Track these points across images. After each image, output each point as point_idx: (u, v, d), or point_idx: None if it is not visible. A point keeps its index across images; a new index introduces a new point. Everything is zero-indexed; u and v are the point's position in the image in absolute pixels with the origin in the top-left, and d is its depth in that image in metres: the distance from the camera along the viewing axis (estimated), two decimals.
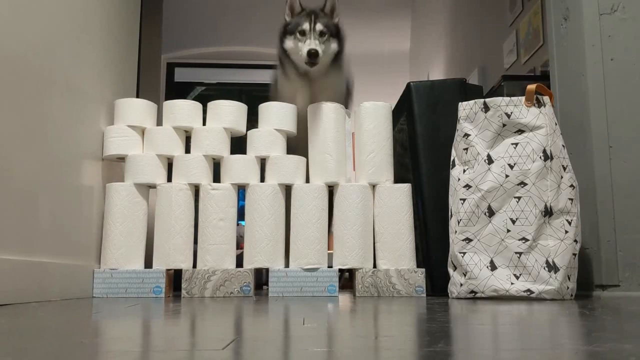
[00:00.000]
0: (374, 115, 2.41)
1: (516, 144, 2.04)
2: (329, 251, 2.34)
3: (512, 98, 2.09)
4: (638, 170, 2.17)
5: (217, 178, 2.41)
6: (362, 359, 0.68)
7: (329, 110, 2.42)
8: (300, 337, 0.90)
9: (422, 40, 6.41)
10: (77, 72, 2.19)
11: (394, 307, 1.63)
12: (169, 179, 2.39)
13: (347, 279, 3.00)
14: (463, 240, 2.06)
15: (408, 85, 2.56)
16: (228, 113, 2.44)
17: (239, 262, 2.32)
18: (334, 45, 2.53)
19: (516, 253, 1.96)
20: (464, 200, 2.08)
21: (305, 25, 2.48)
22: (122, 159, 2.42)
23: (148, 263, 2.30)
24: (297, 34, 2.50)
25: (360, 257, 2.27)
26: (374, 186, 2.37)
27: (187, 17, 6.51)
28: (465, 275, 2.03)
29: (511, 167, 2.02)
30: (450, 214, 2.15)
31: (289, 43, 2.56)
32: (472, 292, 2.01)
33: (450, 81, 2.59)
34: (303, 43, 2.46)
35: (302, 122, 2.49)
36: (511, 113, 2.06)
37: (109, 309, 1.57)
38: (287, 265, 2.31)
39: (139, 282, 2.21)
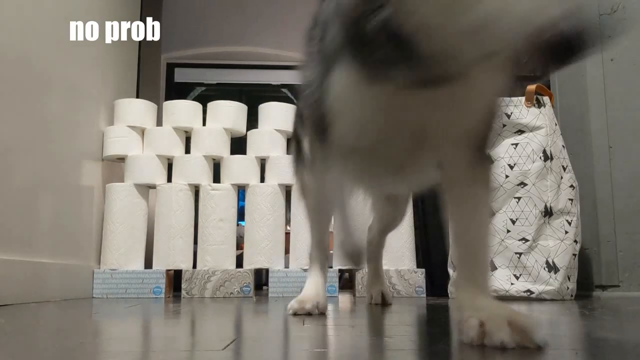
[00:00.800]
0: None
1: (516, 144, 2.04)
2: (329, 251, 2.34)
3: (512, 98, 2.09)
4: (638, 170, 2.17)
5: (217, 178, 2.41)
6: (362, 359, 0.68)
7: None
8: (300, 337, 0.90)
9: None
10: (77, 72, 2.19)
11: (394, 307, 1.63)
12: (169, 179, 2.39)
13: (347, 280, 3.00)
14: None
15: None
16: (228, 113, 2.44)
17: (239, 263, 2.32)
18: None
19: (516, 253, 1.96)
20: None
21: None
22: (122, 159, 2.42)
23: (148, 263, 2.29)
24: None
25: None
26: None
27: (187, 17, 6.51)
28: None
29: (511, 167, 2.02)
30: None
31: None
32: None
33: None
34: None
35: None
36: (511, 113, 2.06)
37: (109, 310, 1.57)
38: (287, 265, 2.31)
39: (139, 283, 2.20)
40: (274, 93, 6.70)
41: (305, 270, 2.25)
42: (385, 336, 0.92)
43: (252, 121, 2.55)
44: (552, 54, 0.56)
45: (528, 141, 2.02)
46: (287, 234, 2.36)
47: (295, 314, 1.23)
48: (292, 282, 2.23)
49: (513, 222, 1.98)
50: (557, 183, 1.99)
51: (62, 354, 0.72)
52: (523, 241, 1.96)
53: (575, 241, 1.97)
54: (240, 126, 2.48)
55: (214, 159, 2.42)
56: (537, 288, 1.92)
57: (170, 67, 6.67)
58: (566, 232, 1.96)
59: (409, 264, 2.28)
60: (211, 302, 1.92)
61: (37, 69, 1.88)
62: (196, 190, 2.38)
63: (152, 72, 3.75)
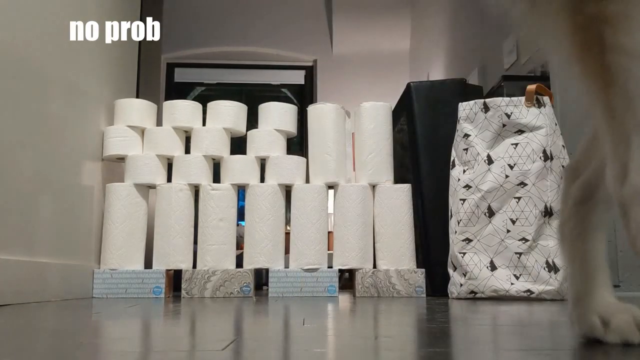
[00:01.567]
0: (374, 115, 2.41)
1: (516, 144, 2.04)
2: (329, 251, 2.34)
3: (512, 98, 2.09)
4: None
5: (217, 178, 2.41)
6: (362, 359, 0.68)
7: (329, 110, 2.42)
8: (300, 337, 0.90)
9: (422, 40, 6.41)
10: (77, 73, 2.19)
11: (394, 307, 1.63)
12: (169, 179, 2.39)
13: (347, 279, 3.00)
14: (463, 240, 2.06)
15: (408, 85, 2.56)
16: (228, 113, 2.44)
17: (239, 263, 2.32)
18: None
19: (516, 253, 1.96)
20: (464, 200, 2.08)
21: None
22: (122, 159, 2.42)
23: (148, 263, 2.29)
24: None
25: (360, 257, 2.27)
26: (374, 186, 2.37)
27: (187, 17, 6.51)
28: (465, 276, 2.03)
29: (511, 167, 2.02)
30: (450, 214, 2.15)
31: None
32: (472, 292, 2.01)
33: (450, 81, 2.59)
34: None
35: None
36: (511, 113, 2.06)
37: (109, 310, 1.57)
38: (287, 265, 2.31)
39: (139, 283, 2.20)
40: (274, 93, 6.70)
41: (305, 270, 2.25)
42: (385, 336, 0.92)
43: (252, 121, 2.55)
44: None
45: (528, 141, 2.02)
46: (287, 234, 2.36)
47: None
48: (292, 282, 2.23)
49: (513, 222, 1.98)
50: (557, 183, 1.99)
51: (62, 354, 0.72)
52: (523, 241, 1.96)
53: None
54: (240, 126, 2.48)
55: (213, 159, 2.42)
56: (537, 288, 1.92)
57: (170, 67, 6.68)
58: None
59: (409, 264, 2.28)
60: (211, 302, 1.92)
61: (37, 69, 1.88)
62: (196, 190, 2.38)
63: (152, 72, 3.75)
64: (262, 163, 2.43)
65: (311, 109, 2.47)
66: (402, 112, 2.62)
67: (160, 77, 4.37)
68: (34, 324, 1.16)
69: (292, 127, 2.46)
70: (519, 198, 1.99)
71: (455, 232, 2.08)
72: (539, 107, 2.05)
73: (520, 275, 1.96)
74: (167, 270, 2.24)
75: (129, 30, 2.51)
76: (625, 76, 0.60)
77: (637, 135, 0.61)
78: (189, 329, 1.09)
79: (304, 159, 2.42)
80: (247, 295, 2.21)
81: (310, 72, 6.71)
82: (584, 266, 0.77)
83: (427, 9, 6.20)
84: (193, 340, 0.89)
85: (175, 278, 2.32)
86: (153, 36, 2.46)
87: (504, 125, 2.07)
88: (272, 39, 6.51)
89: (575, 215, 0.81)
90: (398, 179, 2.46)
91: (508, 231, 1.98)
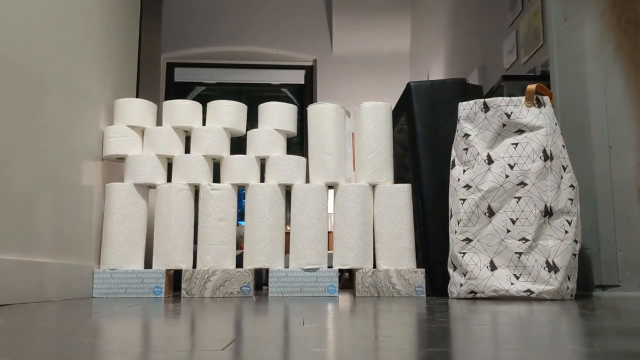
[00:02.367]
0: (374, 115, 2.41)
1: (516, 144, 2.04)
2: (329, 251, 2.34)
3: (512, 98, 2.09)
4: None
5: (217, 178, 2.41)
6: (362, 359, 0.67)
7: (329, 110, 2.42)
8: (300, 337, 0.90)
9: (422, 40, 6.41)
10: (77, 72, 2.19)
11: (394, 307, 1.63)
12: (169, 179, 2.39)
13: (347, 279, 3.00)
14: (463, 240, 2.06)
15: (408, 85, 2.56)
16: (228, 113, 2.44)
17: (239, 262, 2.32)
18: None
19: (516, 253, 1.96)
20: (463, 200, 2.08)
21: None
22: (121, 159, 2.42)
23: (148, 263, 2.30)
24: None
25: (360, 257, 2.27)
26: (374, 186, 2.37)
27: (187, 17, 6.51)
28: (465, 276, 2.03)
29: (511, 167, 2.02)
30: (450, 214, 2.15)
31: None
32: (472, 292, 2.01)
33: (450, 81, 2.59)
34: None
35: None
36: (511, 113, 2.06)
37: (109, 309, 1.57)
38: (287, 265, 2.31)
39: (139, 283, 2.21)
40: (274, 93, 6.71)
41: (305, 270, 2.25)
42: (385, 336, 0.92)
43: (252, 121, 2.55)
44: None
45: (528, 141, 2.02)
46: (287, 234, 2.36)
47: None
48: (292, 282, 2.23)
49: (513, 221, 1.98)
50: (557, 183, 1.99)
51: (62, 354, 0.72)
52: (523, 241, 1.96)
53: (575, 241, 1.97)
54: (240, 126, 2.48)
55: (213, 159, 2.42)
56: (537, 288, 1.92)
57: (170, 67, 6.69)
58: (566, 232, 1.96)
59: (409, 264, 2.28)
60: (211, 302, 1.92)
61: (37, 69, 1.88)
62: (196, 190, 2.38)
63: (152, 71, 3.75)
64: (262, 163, 2.43)
65: (311, 109, 2.47)
66: (402, 112, 2.62)
67: (160, 76, 4.37)
68: (34, 324, 1.16)
69: (292, 127, 2.46)
70: (519, 198, 1.99)
71: (455, 232, 2.08)
72: (539, 106, 2.05)
73: (520, 275, 1.96)
74: (167, 270, 2.24)
75: (128, 30, 2.50)
76: None
77: None
78: (188, 328, 1.09)
79: (304, 159, 2.43)
80: (247, 295, 2.21)
81: (310, 72, 6.71)
82: None
83: (427, 9, 6.20)
84: (193, 340, 0.89)
85: (175, 278, 2.32)
86: (152, 35, 2.46)
87: (504, 125, 2.07)
88: (272, 38, 6.51)
89: None
90: (398, 179, 2.46)
91: (508, 231, 1.98)
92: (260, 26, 6.52)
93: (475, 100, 2.14)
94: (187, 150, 2.42)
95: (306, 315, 1.31)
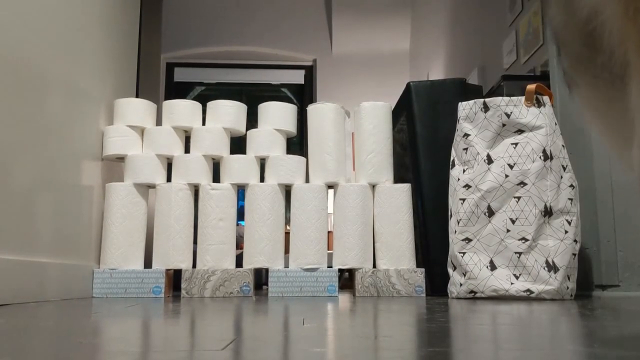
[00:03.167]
0: (374, 115, 2.41)
1: (516, 144, 2.04)
2: (328, 251, 2.34)
3: (512, 98, 2.09)
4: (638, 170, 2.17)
5: (217, 178, 2.41)
6: (362, 359, 0.67)
7: (329, 110, 2.42)
8: (300, 337, 0.90)
9: (422, 40, 6.41)
10: (77, 72, 2.19)
11: (394, 307, 1.63)
12: (169, 179, 2.39)
13: (346, 279, 3.00)
14: (463, 240, 2.06)
15: (408, 85, 2.56)
16: (228, 113, 2.44)
17: (239, 262, 2.32)
18: None
19: (516, 253, 1.96)
20: (463, 200, 2.08)
21: None
22: (121, 158, 2.42)
23: (148, 263, 2.30)
24: None
25: (360, 257, 2.27)
26: (373, 186, 2.37)
27: (187, 17, 6.51)
28: (465, 275, 2.03)
29: (511, 167, 2.02)
30: (450, 214, 2.15)
31: None
32: (471, 292, 2.01)
33: (450, 81, 2.59)
34: None
35: None
36: (511, 113, 2.06)
37: (109, 309, 1.57)
38: (286, 265, 2.31)
39: (139, 282, 2.21)
40: (274, 93, 6.70)
41: (305, 269, 2.25)
42: (385, 336, 0.92)
43: (252, 121, 2.55)
44: None
45: (528, 141, 2.02)
46: (287, 234, 2.36)
47: None
48: (291, 282, 2.23)
49: (513, 221, 1.98)
50: (557, 183, 1.99)
51: (61, 354, 0.72)
52: (523, 241, 1.96)
53: (575, 241, 1.97)
54: (240, 126, 2.48)
55: (213, 159, 2.42)
56: (537, 288, 1.92)
57: (170, 67, 6.69)
58: (566, 232, 1.96)
59: (409, 264, 2.28)
60: (211, 301, 1.92)
61: (37, 68, 1.88)
62: (196, 190, 2.38)
63: (152, 71, 3.75)
64: (262, 163, 2.43)
65: (311, 109, 2.47)
66: (402, 112, 2.62)
67: (159, 76, 4.37)
68: (34, 323, 1.16)
69: (292, 127, 2.46)
70: (518, 198, 1.99)
71: (455, 231, 2.08)
72: (539, 106, 2.05)
73: (520, 274, 1.96)
74: (167, 270, 2.24)
75: (128, 30, 2.50)
76: None
77: None
78: (188, 328, 1.09)
79: (304, 159, 2.43)
80: (246, 295, 2.21)
81: (310, 72, 6.71)
82: None
83: (427, 9, 6.20)
84: (193, 339, 0.89)
85: (175, 278, 2.32)
86: (152, 36, 2.46)
87: (503, 125, 2.07)
88: (272, 38, 6.51)
89: None
90: (398, 179, 2.46)
91: (508, 231, 1.98)
92: (260, 26, 6.52)
93: (475, 100, 2.15)
94: (187, 150, 2.42)
95: (306, 315, 1.31)
